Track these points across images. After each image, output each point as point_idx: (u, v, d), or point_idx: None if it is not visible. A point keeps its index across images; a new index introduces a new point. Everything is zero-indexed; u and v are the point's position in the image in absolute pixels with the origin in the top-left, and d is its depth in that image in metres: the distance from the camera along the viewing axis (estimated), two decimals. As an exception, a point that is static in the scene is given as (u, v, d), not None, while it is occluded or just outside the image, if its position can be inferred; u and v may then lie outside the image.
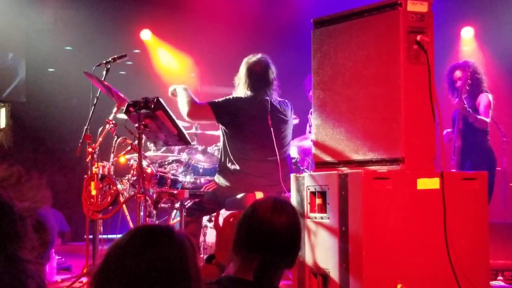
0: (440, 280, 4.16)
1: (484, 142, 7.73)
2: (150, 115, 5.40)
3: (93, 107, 6.58)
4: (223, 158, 6.15)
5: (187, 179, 6.82)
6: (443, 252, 4.15)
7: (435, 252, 4.16)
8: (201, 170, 7.23)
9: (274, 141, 5.97)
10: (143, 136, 5.88)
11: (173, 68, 11.05)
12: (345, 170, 4.33)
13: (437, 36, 10.42)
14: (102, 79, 6.49)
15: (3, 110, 9.96)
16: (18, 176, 1.62)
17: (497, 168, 8.11)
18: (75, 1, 10.44)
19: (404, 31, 4.21)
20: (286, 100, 6.32)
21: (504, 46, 10.42)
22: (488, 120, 7.67)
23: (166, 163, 7.17)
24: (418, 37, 4.22)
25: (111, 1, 10.62)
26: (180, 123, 5.84)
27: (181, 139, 5.61)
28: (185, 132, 5.70)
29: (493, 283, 6.43)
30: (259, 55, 6.21)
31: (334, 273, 4.22)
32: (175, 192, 5.59)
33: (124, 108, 5.60)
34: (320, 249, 4.35)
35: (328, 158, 4.68)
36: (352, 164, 4.47)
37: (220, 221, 3.47)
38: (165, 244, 1.94)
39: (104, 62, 6.59)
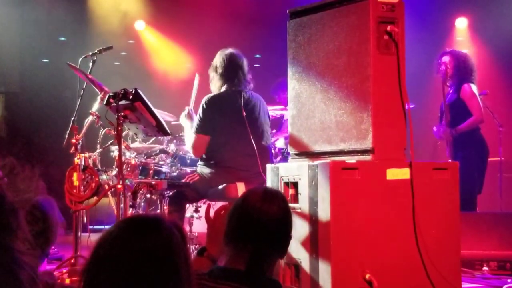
0: (409, 270, 4.17)
1: (475, 132, 7.72)
2: (129, 106, 5.41)
3: (79, 98, 6.61)
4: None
5: (172, 169, 6.85)
6: (412, 242, 4.16)
7: (404, 242, 4.17)
8: (188, 161, 7.27)
9: (250, 133, 6.00)
10: (126, 127, 5.93)
11: (167, 59, 11.06)
12: (316, 160, 4.34)
13: (431, 26, 10.46)
14: (89, 70, 6.51)
15: (-3, 101, 10.01)
16: (10, 167, 1.62)
17: (489, 158, 8.10)
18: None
19: (374, 22, 4.21)
20: (257, 94, 6.39)
21: (498, 36, 10.41)
22: (477, 117, 7.63)
23: (153, 154, 7.22)
24: (388, 28, 4.21)
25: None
26: (158, 112, 5.85)
27: (160, 130, 5.62)
28: (164, 123, 5.72)
29: (478, 273, 6.43)
30: (232, 49, 6.31)
31: (305, 263, 4.24)
32: (154, 182, 5.61)
33: (105, 99, 5.61)
34: (293, 239, 4.34)
35: (303, 149, 4.70)
36: (326, 154, 4.49)
37: (211, 214, 3.49)
38: (154, 234, 1.94)
39: (90, 53, 6.61)
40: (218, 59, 6.29)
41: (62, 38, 10.69)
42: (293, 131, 4.78)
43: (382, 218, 4.14)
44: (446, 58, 7.80)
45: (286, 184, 4.51)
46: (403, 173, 4.17)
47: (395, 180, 4.17)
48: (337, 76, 4.42)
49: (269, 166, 4.75)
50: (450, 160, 7.68)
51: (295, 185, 4.42)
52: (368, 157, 4.21)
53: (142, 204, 6.78)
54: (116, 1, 10.71)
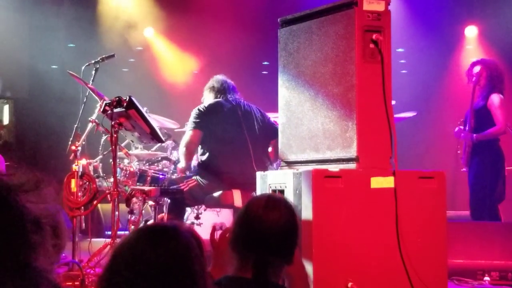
0: (393, 279, 4.16)
1: (493, 142, 7.71)
2: (124, 114, 5.47)
3: (82, 105, 6.68)
4: (201, 156, 6.24)
5: (173, 176, 6.88)
6: (396, 251, 4.15)
7: (388, 251, 4.16)
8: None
9: (248, 139, 6.03)
10: (123, 134, 5.98)
11: (175, 66, 11.10)
12: (301, 168, 4.35)
13: (441, 35, 10.42)
14: (92, 78, 6.59)
15: (6, 106, 10.07)
16: (36, 181, 1.61)
17: (507, 168, 8.06)
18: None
19: (359, 30, 4.22)
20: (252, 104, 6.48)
21: (508, 44, 10.34)
22: (500, 128, 7.62)
23: (156, 161, 7.25)
24: (374, 36, 4.22)
25: (114, -1, 10.72)
26: (158, 119, 5.90)
27: (154, 138, 5.67)
28: (158, 130, 5.77)
29: (477, 283, 6.39)
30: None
31: (289, 271, 4.24)
32: (146, 189, 5.65)
33: (102, 106, 5.67)
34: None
35: (292, 157, 4.72)
36: (313, 163, 4.50)
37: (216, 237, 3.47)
38: (171, 242, 1.95)
39: (93, 62, 6.67)
40: (211, 80, 6.52)
41: (71, 45, 10.75)
42: (283, 139, 4.80)
43: (366, 226, 4.14)
44: (477, 68, 7.78)
45: (274, 191, 4.52)
46: (387, 182, 4.17)
47: (379, 188, 4.17)
48: (324, 85, 4.43)
49: (259, 174, 4.77)
50: (465, 166, 7.73)
51: (282, 193, 4.43)
52: (353, 166, 4.22)
53: (143, 211, 6.81)
54: (125, 8, 10.75)
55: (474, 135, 7.62)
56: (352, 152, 4.22)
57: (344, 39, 4.30)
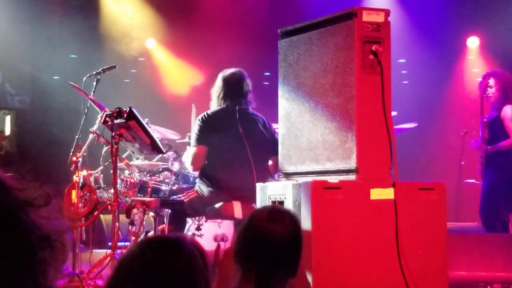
0: (393, 291, 4.15)
1: (508, 152, 7.72)
2: (124, 125, 5.47)
3: (84, 116, 6.69)
4: (202, 167, 6.21)
5: (174, 188, 6.88)
6: (395, 262, 4.13)
7: (388, 262, 4.14)
8: (191, 179, 7.29)
9: (248, 150, 5.99)
10: (124, 145, 5.99)
11: (176, 77, 11.11)
12: (300, 179, 4.35)
13: (443, 45, 10.43)
14: (93, 89, 6.60)
15: (8, 117, 10.08)
16: (46, 196, 1.60)
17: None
18: (80, 9, 10.54)
19: (359, 41, 4.22)
20: (257, 112, 6.39)
21: (509, 55, 10.34)
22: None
23: (158, 172, 7.25)
24: (373, 47, 4.22)
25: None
26: (158, 130, 5.90)
27: (155, 149, 5.67)
28: (158, 141, 5.76)
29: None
30: (235, 69, 6.31)
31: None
32: (147, 200, 5.65)
33: (102, 117, 5.67)
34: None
35: (292, 168, 4.71)
36: (313, 174, 4.49)
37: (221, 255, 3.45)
38: (174, 255, 1.95)
39: (94, 73, 6.69)
40: (218, 80, 6.35)
41: (73, 56, 10.77)
42: (283, 150, 4.80)
43: (365, 238, 4.13)
44: (491, 81, 7.79)
45: (273, 203, 4.51)
46: (387, 193, 4.16)
47: (379, 200, 4.16)
48: (323, 96, 4.43)
49: (258, 185, 4.76)
50: (480, 178, 7.77)
51: (281, 204, 4.42)
52: (352, 177, 4.21)
53: (144, 222, 6.80)
54: (127, 19, 10.78)
55: (489, 147, 7.65)
56: (352, 163, 4.21)
57: (343, 50, 4.29)
